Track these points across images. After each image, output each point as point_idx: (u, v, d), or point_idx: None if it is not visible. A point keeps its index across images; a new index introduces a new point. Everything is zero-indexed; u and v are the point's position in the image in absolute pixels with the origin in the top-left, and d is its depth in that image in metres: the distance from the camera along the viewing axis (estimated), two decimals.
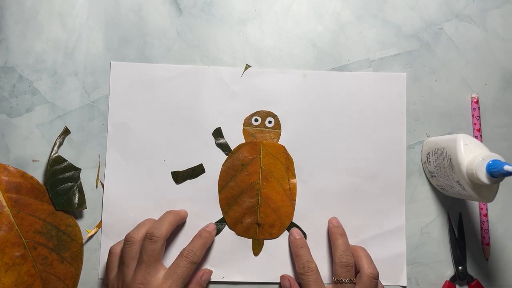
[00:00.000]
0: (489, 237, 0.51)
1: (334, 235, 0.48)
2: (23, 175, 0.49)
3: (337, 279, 0.45)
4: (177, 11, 0.52)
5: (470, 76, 0.52)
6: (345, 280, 0.44)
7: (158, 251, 0.43)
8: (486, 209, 0.51)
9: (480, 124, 0.51)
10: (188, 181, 0.51)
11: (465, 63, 0.53)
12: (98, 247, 0.50)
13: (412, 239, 0.51)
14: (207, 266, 0.50)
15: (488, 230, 0.51)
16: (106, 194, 0.50)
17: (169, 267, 0.44)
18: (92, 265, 0.50)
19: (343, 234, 0.48)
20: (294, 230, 0.50)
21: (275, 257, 0.50)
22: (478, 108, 0.51)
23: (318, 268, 0.49)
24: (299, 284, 0.47)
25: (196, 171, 0.50)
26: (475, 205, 0.52)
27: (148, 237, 0.43)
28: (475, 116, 0.51)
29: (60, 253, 0.49)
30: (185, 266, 0.43)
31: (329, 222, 0.50)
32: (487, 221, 0.51)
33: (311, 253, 0.50)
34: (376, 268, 0.46)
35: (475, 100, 0.51)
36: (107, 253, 0.48)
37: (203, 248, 0.46)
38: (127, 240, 0.44)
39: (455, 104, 0.52)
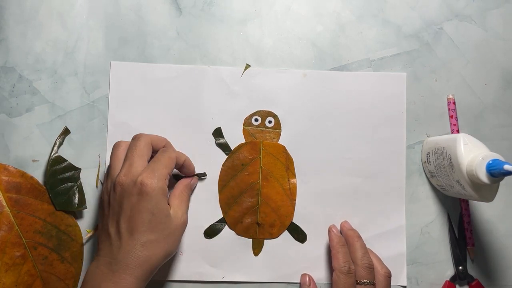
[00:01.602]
0: (470, 237, 0.51)
1: (351, 238, 0.48)
2: (23, 175, 0.49)
3: (360, 281, 0.45)
4: (177, 11, 0.52)
5: (470, 76, 0.52)
6: (367, 282, 0.45)
7: (142, 148, 0.44)
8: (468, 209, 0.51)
9: (458, 125, 0.51)
10: None
11: (465, 63, 0.53)
12: None
13: (412, 239, 0.51)
14: (207, 266, 0.50)
15: (471, 230, 0.51)
16: None
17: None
18: None
19: (360, 237, 0.48)
20: (334, 227, 0.49)
21: (275, 257, 0.50)
22: (454, 109, 0.51)
23: (318, 268, 0.50)
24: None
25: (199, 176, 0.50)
26: (475, 206, 0.52)
27: (133, 137, 0.46)
28: (454, 117, 0.51)
29: (60, 253, 0.49)
30: (164, 156, 0.44)
31: (342, 226, 0.50)
32: (469, 222, 0.51)
33: (311, 253, 0.50)
34: (387, 267, 0.47)
35: (449, 102, 0.51)
36: None
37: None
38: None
39: (455, 104, 0.52)
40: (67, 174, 0.50)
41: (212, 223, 0.50)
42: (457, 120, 0.51)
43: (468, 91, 0.52)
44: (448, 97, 0.52)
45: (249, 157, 0.51)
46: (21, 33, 0.51)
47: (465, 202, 0.51)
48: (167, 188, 0.43)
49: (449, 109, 0.52)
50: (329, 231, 0.49)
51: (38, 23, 0.51)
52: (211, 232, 0.50)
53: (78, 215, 0.50)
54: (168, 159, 0.44)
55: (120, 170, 0.43)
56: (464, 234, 0.51)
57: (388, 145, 0.51)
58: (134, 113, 0.51)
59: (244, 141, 0.51)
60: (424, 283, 0.51)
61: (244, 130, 0.51)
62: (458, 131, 0.51)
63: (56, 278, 0.48)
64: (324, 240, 0.50)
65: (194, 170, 0.49)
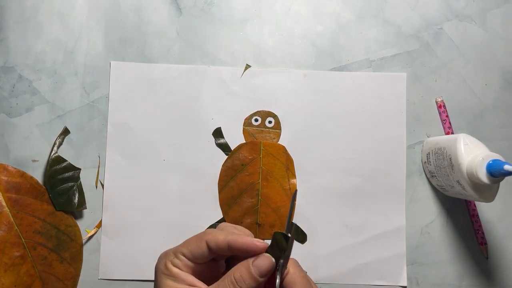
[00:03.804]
0: (483, 236, 0.51)
1: None
2: (23, 175, 0.49)
3: None
4: (177, 11, 0.52)
5: (470, 76, 0.52)
6: None
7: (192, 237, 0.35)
8: (476, 209, 0.51)
9: (451, 127, 0.51)
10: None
11: (465, 63, 0.53)
12: (98, 247, 0.50)
13: (412, 239, 0.51)
14: None
15: (480, 228, 0.51)
16: (106, 194, 0.50)
17: None
18: (92, 265, 0.50)
19: None
20: None
21: None
22: (445, 111, 0.51)
23: (318, 268, 0.49)
24: None
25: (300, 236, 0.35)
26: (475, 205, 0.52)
27: None
28: (447, 120, 0.51)
29: (59, 253, 0.49)
30: (194, 235, 0.34)
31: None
32: (477, 221, 0.51)
33: (311, 253, 0.50)
34: None
35: (438, 105, 0.51)
36: (106, 253, 0.47)
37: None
38: None
39: (455, 104, 0.52)
40: (67, 174, 0.50)
41: (212, 223, 0.50)
42: (450, 123, 0.51)
43: (468, 91, 0.52)
44: (437, 100, 0.52)
45: (249, 157, 0.51)
46: (21, 33, 0.51)
47: (472, 201, 0.51)
48: (171, 268, 0.33)
49: (440, 112, 0.52)
50: None
51: (38, 23, 0.51)
52: None
53: (77, 215, 0.50)
54: (193, 238, 0.34)
55: None
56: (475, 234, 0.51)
57: (388, 145, 0.51)
58: (134, 113, 0.51)
59: (244, 141, 0.51)
60: (424, 283, 0.51)
61: (244, 130, 0.51)
62: (452, 133, 0.51)
63: (55, 279, 0.48)
64: (324, 240, 0.50)
65: (252, 249, 0.32)
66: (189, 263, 0.33)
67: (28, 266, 0.48)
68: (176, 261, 0.33)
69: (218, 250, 0.32)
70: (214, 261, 0.34)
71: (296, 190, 0.35)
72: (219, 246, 0.32)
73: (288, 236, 0.32)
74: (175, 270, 0.33)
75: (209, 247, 0.32)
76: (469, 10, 0.53)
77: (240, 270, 0.31)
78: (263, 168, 0.51)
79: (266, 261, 0.31)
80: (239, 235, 0.32)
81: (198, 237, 0.33)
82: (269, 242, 0.33)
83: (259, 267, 0.31)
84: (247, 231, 0.34)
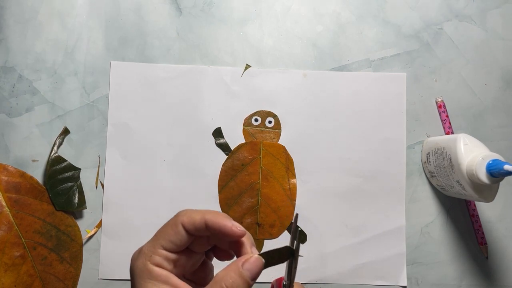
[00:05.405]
0: (482, 236, 0.51)
1: None
2: (23, 175, 0.49)
3: None
4: (177, 11, 0.52)
5: (470, 76, 0.52)
6: None
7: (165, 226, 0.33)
8: (476, 209, 0.51)
9: (451, 127, 0.51)
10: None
11: (465, 63, 0.53)
12: (98, 247, 0.50)
13: (412, 239, 0.51)
14: None
15: (480, 228, 0.51)
16: (106, 194, 0.50)
17: None
18: (92, 265, 0.50)
19: None
20: None
21: None
22: (445, 111, 0.51)
23: (318, 268, 0.50)
24: None
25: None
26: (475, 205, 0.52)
27: None
28: (447, 120, 0.51)
29: (59, 253, 0.49)
30: (168, 222, 0.32)
31: None
32: (477, 221, 0.51)
33: (311, 253, 0.50)
34: None
35: (438, 105, 0.51)
36: (106, 253, 0.47)
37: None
38: None
39: (455, 104, 0.52)
40: (66, 174, 0.50)
41: None
42: (450, 123, 0.51)
43: (468, 91, 0.52)
44: (437, 100, 0.52)
45: (249, 157, 0.51)
46: (21, 33, 0.51)
47: (472, 201, 0.51)
48: (152, 269, 0.30)
49: (440, 112, 0.52)
50: None
51: (38, 23, 0.51)
52: None
53: (77, 215, 0.50)
54: (167, 225, 0.31)
55: None
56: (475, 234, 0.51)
57: (388, 145, 0.51)
58: (134, 113, 0.51)
59: (244, 141, 0.51)
60: (424, 283, 0.51)
61: (244, 130, 0.51)
62: (452, 133, 0.51)
63: (55, 278, 0.48)
64: (324, 240, 0.50)
65: (230, 233, 0.30)
66: (170, 255, 0.30)
67: (28, 266, 0.48)
68: (155, 258, 0.30)
69: (195, 231, 0.30)
70: (192, 253, 0.32)
71: (297, 214, 0.34)
72: (196, 227, 0.30)
73: (293, 249, 0.31)
74: (156, 270, 0.30)
75: (186, 230, 0.30)
76: (469, 10, 0.53)
77: (231, 276, 0.29)
78: (263, 168, 0.51)
79: (257, 263, 0.30)
80: (217, 213, 0.30)
81: (172, 223, 0.31)
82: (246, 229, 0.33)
83: (251, 270, 0.29)
84: (222, 213, 0.32)
